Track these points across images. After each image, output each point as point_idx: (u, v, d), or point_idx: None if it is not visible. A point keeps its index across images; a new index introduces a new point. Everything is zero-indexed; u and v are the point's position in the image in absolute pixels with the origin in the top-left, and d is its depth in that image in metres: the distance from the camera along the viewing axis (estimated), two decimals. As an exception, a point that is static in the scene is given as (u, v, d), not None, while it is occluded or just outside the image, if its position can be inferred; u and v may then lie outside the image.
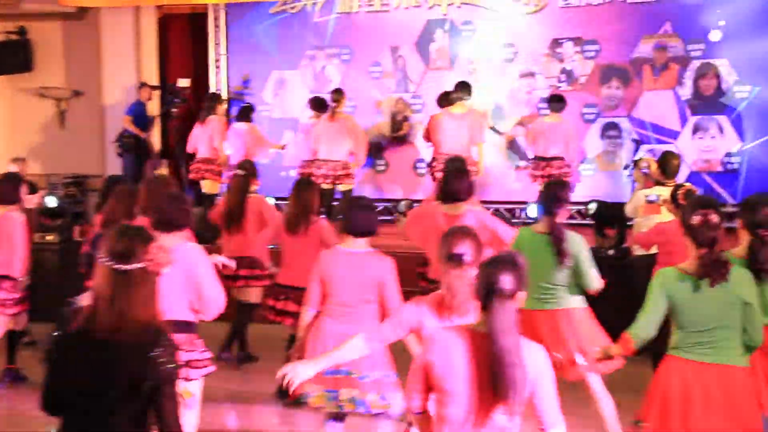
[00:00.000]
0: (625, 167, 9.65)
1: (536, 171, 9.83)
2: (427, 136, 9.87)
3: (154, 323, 3.06)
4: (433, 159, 9.72)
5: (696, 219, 4.12)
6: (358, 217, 5.11)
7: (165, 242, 4.52)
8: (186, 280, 4.62)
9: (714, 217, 4.12)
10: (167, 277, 4.38)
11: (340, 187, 10.00)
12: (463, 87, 9.67)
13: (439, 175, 8.91)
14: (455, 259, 3.70)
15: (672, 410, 4.15)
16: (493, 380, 3.04)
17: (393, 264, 4.97)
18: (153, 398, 3.00)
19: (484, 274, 3.17)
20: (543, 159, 9.81)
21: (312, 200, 6.59)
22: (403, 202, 10.81)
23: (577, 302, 5.45)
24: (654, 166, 7.34)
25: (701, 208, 4.16)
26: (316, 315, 5.11)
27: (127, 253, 3.03)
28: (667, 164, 7.08)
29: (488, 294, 3.12)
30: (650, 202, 6.93)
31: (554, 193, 5.47)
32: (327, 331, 4.99)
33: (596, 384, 5.44)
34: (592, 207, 8.17)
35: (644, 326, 4.20)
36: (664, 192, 6.72)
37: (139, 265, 3.03)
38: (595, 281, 5.39)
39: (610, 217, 8.03)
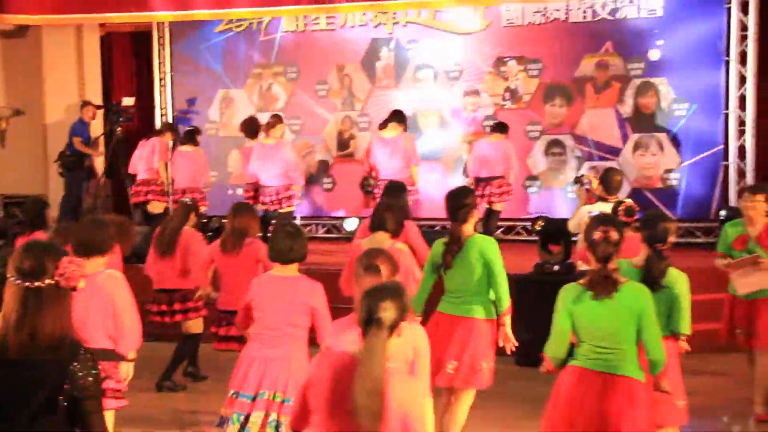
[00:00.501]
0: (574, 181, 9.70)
1: (477, 192, 9.75)
2: (367, 162, 9.96)
3: (69, 337, 2.95)
4: (376, 183, 9.79)
5: (597, 235, 4.23)
6: (285, 245, 5.09)
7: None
8: (103, 307, 4.59)
9: (614, 234, 4.22)
10: (84, 304, 4.28)
11: (282, 210, 9.92)
12: (397, 115, 9.82)
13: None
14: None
15: (562, 415, 4.26)
16: (353, 405, 3.02)
17: (322, 289, 4.98)
18: (76, 414, 2.89)
19: (365, 303, 3.15)
20: (482, 179, 9.90)
21: (248, 224, 6.59)
22: (347, 220, 10.84)
23: (486, 313, 5.47)
24: (596, 183, 7.34)
25: (602, 225, 4.27)
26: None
27: (36, 270, 2.91)
28: (610, 180, 7.07)
29: (367, 322, 3.11)
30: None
31: (459, 200, 5.54)
32: (251, 355, 5.01)
33: (469, 397, 5.52)
34: (539, 223, 8.22)
35: (555, 346, 4.34)
36: (607, 208, 6.70)
37: (50, 282, 2.92)
38: (502, 288, 5.41)
39: (555, 234, 8.05)
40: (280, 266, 5.09)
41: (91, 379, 2.90)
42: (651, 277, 4.72)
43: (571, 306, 4.28)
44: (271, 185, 9.84)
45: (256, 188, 10.13)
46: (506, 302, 5.44)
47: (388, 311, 3.11)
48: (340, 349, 3.47)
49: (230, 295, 6.48)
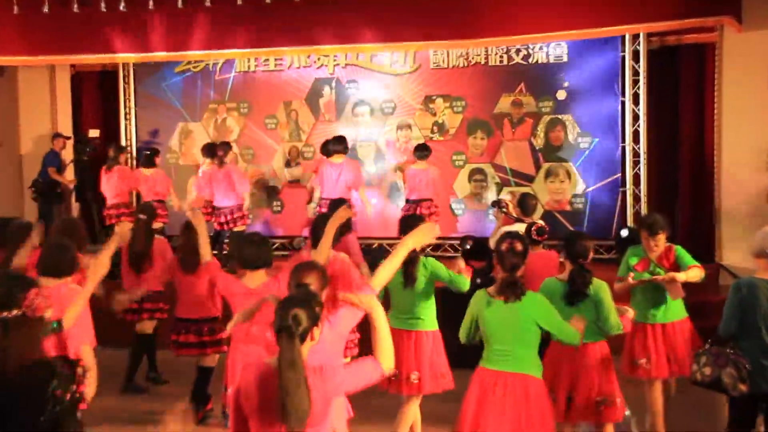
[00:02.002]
0: (492, 205, 9.63)
1: (410, 212, 9.72)
2: (316, 180, 9.91)
3: (42, 361, 2.90)
4: (320, 200, 9.78)
5: (504, 246, 4.27)
6: (251, 251, 5.05)
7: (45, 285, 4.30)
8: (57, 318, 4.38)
9: (518, 245, 4.25)
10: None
11: (235, 229, 9.75)
12: (340, 141, 9.79)
13: None
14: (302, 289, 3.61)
15: (469, 412, 4.26)
16: (280, 409, 2.95)
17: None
18: (56, 427, 2.83)
19: (278, 311, 3.08)
20: (413, 201, 9.91)
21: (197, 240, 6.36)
22: (297, 239, 10.72)
23: (433, 324, 5.42)
24: (511, 207, 7.36)
25: (509, 237, 4.31)
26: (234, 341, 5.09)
27: (4, 302, 2.85)
28: (526, 204, 7.11)
29: (280, 330, 3.03)
30: None
31: (413, 222, 5.30)
32: (243, 354, 4.93)
33: (414, 405, 5.47)
34: (467, 242, 8.07)
35: (463, 332, 4.44)
36: (523, 228, 6.74)
37: (17, 313, 2.85)
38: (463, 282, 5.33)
39: (478, 251, 7.94)
40: (249, 274, 5.03)
41: (68, 401, 2.84)
42: (575, 288, 4.75)
43: (478, 310, 4.31)
44: (224, 206, 9.74)
45: (213, 207, 10.01)
46: None
47: (296, 320, 3.03)
48: (262, 359, 3.37)
49: (187, 306, 6.40)
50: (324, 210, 9.01)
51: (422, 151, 9.97)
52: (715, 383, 4.36)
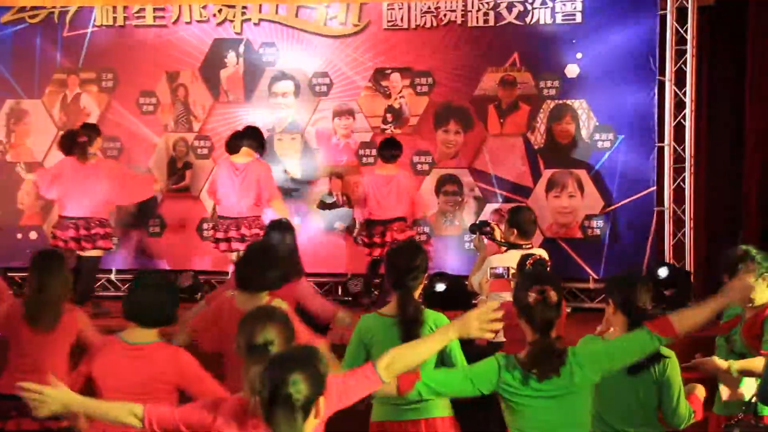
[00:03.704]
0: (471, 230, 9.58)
1: (371, 237, 9.80)
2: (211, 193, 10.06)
3: None
4: (217, 220, 9.89)
5: (532, 297, 4.22)
6: (148, 300, 4.97)
7: None
8: None
9: (552, 294, 4.21)
10: None
11: (87, 253, 9.60)
12: (251, 135, 9.78)
13: (222, 244, 9.73)
14: (258, 351, 3.64)
15: None
16: None
17: (185, 356, 4.91)
18: None
19: (269, 376, 3.12)
20: (378, 222, 9.79)
21: (57, 283, 6.22)
22: (183, 274, 10.50)
23: (444, 409, 5.24)
24: (498, 232, 7.33)
25: (537, 283, 4.26)
26: None
27: None
28: (523, 221, 7.07)
29: (273, 402, 3.07)
30: (496, 276, 6.81)
31: (409, 260, 5.30)
32: None
33: None
34: (440, 284, 7.95)
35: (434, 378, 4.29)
36: (515, 259, 6.68)
37: None
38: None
39: (453, 296, 7.73)
40: (134, 329, 4.96)
41: None
42: None
43: (501, 383, 4.19)
44: (76, 216, 9.57)
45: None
46: None
47: (299, 387, 3.09)
48: None
49: (20, 376, 5.90)
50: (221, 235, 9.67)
51: (391, 149, 9.88)
52: None
